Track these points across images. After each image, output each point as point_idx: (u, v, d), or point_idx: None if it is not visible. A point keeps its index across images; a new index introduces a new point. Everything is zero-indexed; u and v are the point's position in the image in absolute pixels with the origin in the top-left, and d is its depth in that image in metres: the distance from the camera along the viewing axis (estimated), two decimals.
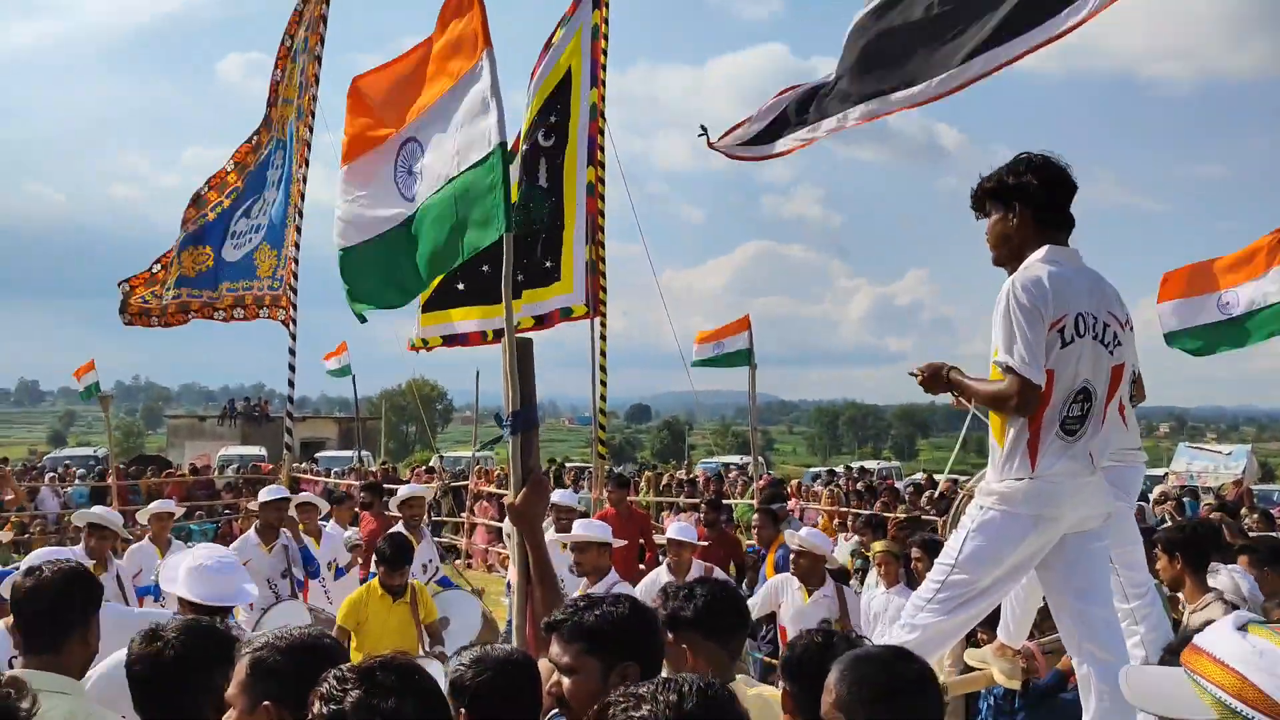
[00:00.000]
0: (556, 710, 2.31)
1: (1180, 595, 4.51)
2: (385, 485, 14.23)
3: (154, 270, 14.76)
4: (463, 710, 2.37)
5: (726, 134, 6.36)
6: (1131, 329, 3.41)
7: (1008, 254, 3.35)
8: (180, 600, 3.94)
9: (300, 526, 8.48)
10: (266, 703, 2.10)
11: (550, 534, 7.90)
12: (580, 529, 6.24)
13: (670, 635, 2.42)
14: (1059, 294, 3.15)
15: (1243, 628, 1.47)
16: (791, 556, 6.46)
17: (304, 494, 10.33)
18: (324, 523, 8.92)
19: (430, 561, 8.12)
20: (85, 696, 2.68)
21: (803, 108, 5.88)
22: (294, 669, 2.12)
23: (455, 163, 3.94)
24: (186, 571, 3.87)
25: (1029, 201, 3.29)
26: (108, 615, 2.93)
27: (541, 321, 10.73)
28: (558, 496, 8.40)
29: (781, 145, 5.98)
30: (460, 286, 10.58)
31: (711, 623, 2.60)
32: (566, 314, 10.84)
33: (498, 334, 11.05)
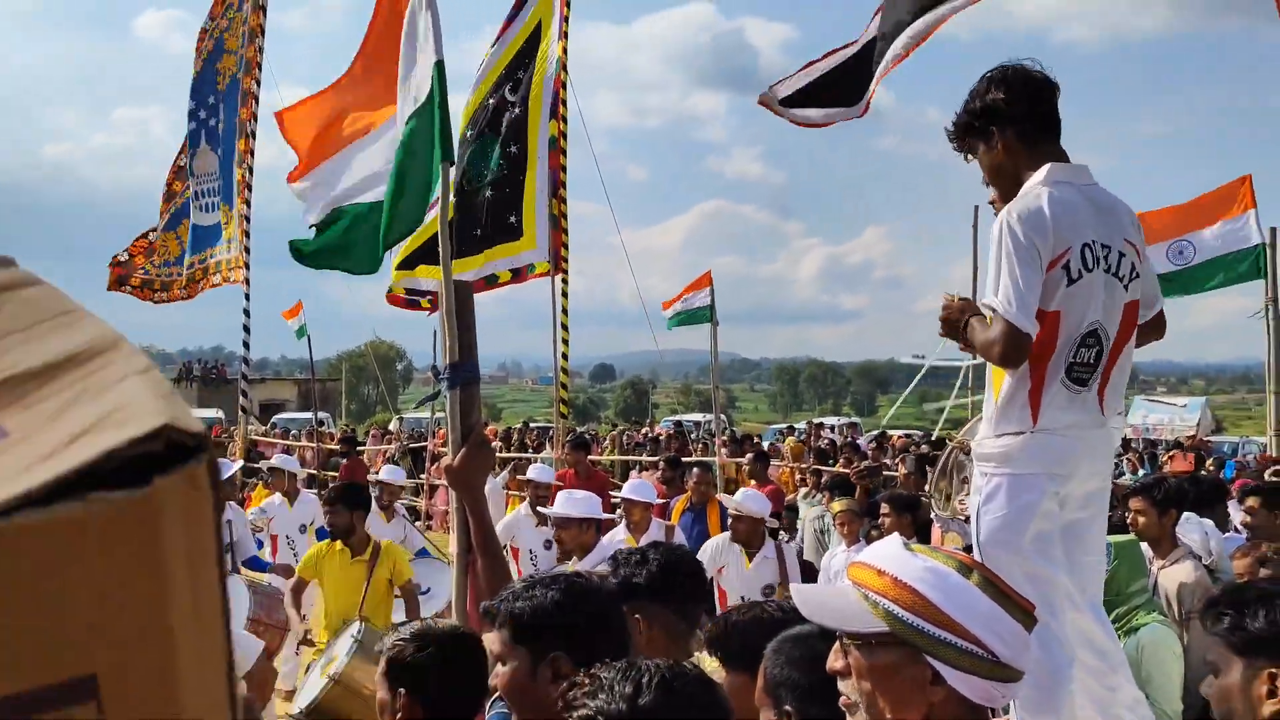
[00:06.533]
0: (499, 697, 2.14)
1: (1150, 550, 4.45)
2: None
3: (151, 238, 14.72)
4: (402, 690, 2.21)
5: (781, 89, 5.86)
6: (1146, 258, 3.03)
7: (1006, 185, 2.98)
8: None
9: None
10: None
11: (523, 510, 7.73)
12: (562, 505, 5.56)
13: (624, 606, 2.25)
14: (1061, 223, 2.75)
15: (908, 548, 1.58)
16: (730, 522, 6.30)
17: (277, 458, 10.28)
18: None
19: (402, 540, 8.00)
20: None
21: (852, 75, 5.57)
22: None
23: (414, 100, 3.71)
24: None
25: (1006, 121, 2.91)
26: None
27: (514, 276, 10.55)
28: (534, 472, 8.21)
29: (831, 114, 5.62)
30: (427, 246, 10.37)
31: (667, 590, 2.41)
32: (530, 270, 10.65)
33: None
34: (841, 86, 5.56)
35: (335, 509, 6.08)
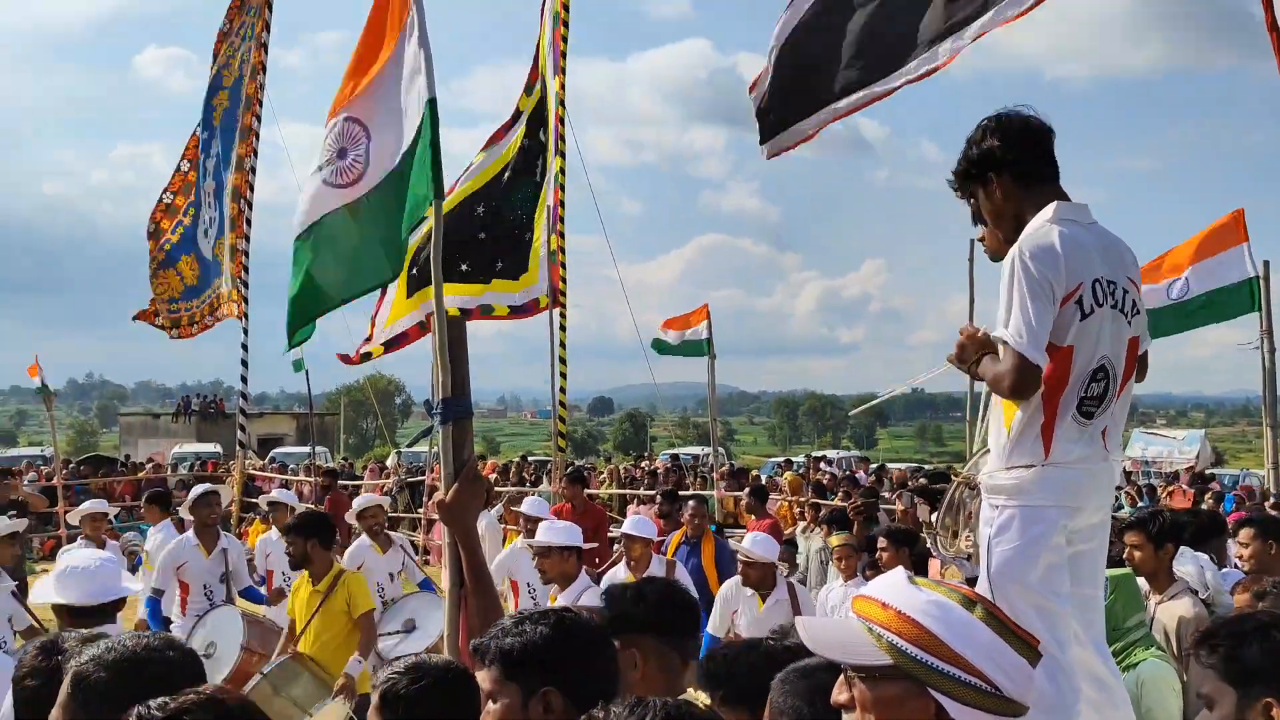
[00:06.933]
0: None
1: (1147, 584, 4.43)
2: (343, 483, 14.07)
3: (157, 291, 14.76)
4: None
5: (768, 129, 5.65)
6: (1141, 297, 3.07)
7: (1009, 227, 3.03)
8: (57, 612, 3.56)
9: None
10: None
11: (519, 542, 7.71)
12: (543, 533, 5.68)
13: (618, 641, 2.24)
14: (1073, 259, 2.78)
15: (912, 581, 1.60)
16: (740, 568, 6.25)
17: (275, 492, 10.23)
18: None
19: (399, 571, 7.92)
20: None
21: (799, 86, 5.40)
22: (120, 689, 1.87)
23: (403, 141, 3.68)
24: (56, 578, 3.57)
25: (1003, 166, 2.98)
26: None
27: (521, 311, 10.56)
28: (527, 506, 8.17)
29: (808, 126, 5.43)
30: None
31: (662, 625, 2.40)
32: (535, 306, 10.67)
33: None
34: (811, 82, 5.37)
35: (290, 538, 6.13)
